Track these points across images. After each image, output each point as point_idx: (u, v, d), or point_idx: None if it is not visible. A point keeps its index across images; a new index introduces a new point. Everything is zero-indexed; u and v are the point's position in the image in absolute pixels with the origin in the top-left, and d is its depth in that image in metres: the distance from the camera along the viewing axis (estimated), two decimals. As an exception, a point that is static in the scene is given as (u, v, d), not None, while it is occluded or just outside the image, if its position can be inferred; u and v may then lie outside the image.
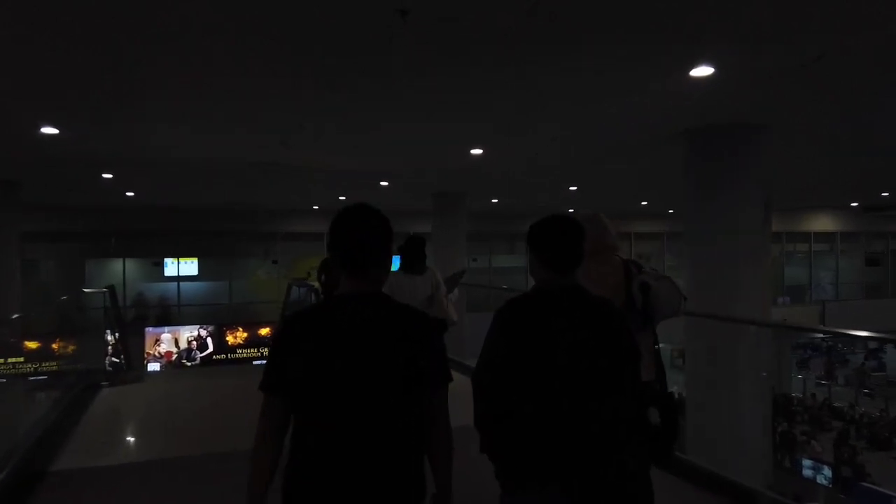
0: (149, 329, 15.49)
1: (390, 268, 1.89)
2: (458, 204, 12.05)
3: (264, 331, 16.37)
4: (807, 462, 11.47)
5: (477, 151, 7.96)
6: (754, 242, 6.70)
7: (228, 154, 7.98)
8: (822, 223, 21.48)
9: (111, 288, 8.59)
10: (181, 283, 16.60)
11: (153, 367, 15.42)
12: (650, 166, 8.92)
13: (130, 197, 12.31)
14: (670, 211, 18.94)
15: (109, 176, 9.52)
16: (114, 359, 9.32)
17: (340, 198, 13.41)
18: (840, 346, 19.25)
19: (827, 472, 11.06)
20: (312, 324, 1.76)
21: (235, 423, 3.87)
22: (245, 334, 16.19)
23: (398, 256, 4.93)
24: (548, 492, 1.92)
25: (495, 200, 13.95)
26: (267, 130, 6.79)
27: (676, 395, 3.03)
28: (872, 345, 18.21)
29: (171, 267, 17.30)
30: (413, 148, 7.91)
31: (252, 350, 16.17)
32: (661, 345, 2.62)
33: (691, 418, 6.50)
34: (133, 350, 15.10)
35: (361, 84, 5.20)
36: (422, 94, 5.55)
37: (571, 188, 11.92)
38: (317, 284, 7.03)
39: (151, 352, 15.45)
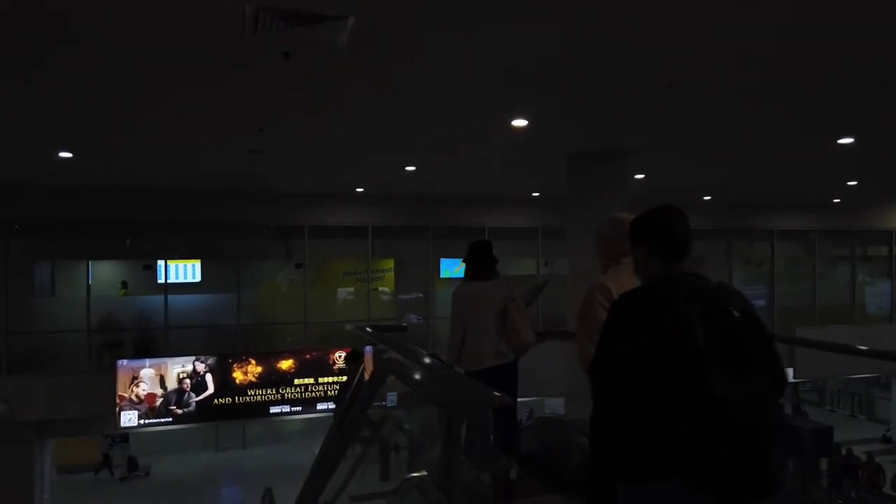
0: (122, 362, 10.87)
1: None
2: (613, 174, 7.15)
3: (286, 363, 11.67)
4: None
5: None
6: None
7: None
8: None
9: None
10: (169, 296, 11.83)
11: (128, 416, 10.77)
12: None
13: (69, 162, 7.44)
14: (836, 200, 13.90)
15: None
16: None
17: (407, 168, 8.56)
18: None
19: None
20: None
21: None
22: (259, 369, 11.54)
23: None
24: (677, 484, 1.83)
25: (640, 176, 9.02)
26: None
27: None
28: None
29: (167, 272, 12.48)
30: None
31: (269, 391, 11.49)
32: None
33: None
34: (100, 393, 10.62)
35: None
36: None
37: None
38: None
39: (126, 395, 10.81)
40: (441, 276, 14.28)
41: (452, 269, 15.76)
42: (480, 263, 4.42)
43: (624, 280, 2.87)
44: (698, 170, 9.00)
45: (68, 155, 6.98)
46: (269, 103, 5.24)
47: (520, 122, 5.62)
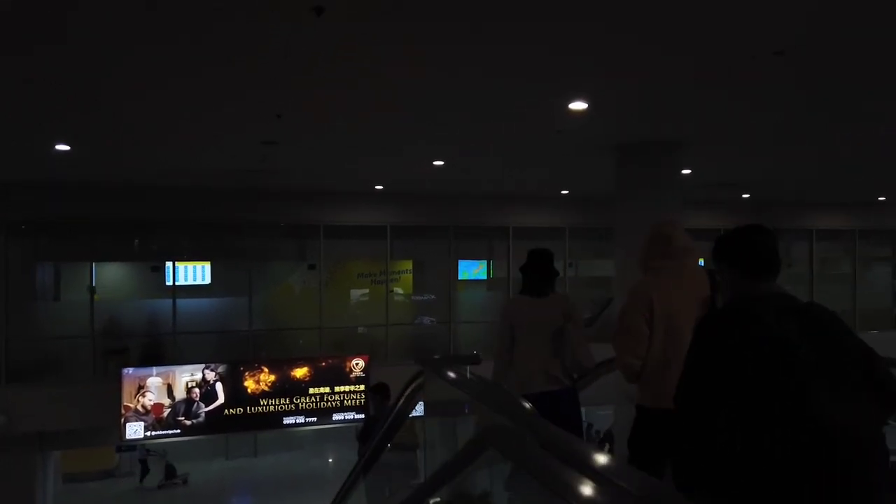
0: (128, 371, 10.24)
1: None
2: (667, 166, 6.43)
3: (300, 371, 11.01)
4: None
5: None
6: None
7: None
8: None
9: None
10: (178, 300, 11.19)
11: (134, 428, 10.15)
12: None
13: (68, 155, 6.80)
14: (881, 198, 13.10)
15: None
16: None
17: (435, 162, 7.88)
18: None
19: None
20: None
21: None
22: (272, 377, 10.88)
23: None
24: None
25: (687, 171, 8.29)
26: None
27: None
28: None
29: (175, 274, 11.81)
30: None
31: (283, 401, 10.82)
32: None
33: None
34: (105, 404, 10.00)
35: None
36: None
37: None
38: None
39: (132, 405, 10.18)
40: (459, 278, 13.61)
41: (471, 270, 15.08)
42: (538, 275, 3.95)
43: (667, 286, 2.85)
44: (749, 164, 8.26)
45: (66, 147, 6.34)
46: (289, 84, 4.58)
47: (578, 105, 4.90)
